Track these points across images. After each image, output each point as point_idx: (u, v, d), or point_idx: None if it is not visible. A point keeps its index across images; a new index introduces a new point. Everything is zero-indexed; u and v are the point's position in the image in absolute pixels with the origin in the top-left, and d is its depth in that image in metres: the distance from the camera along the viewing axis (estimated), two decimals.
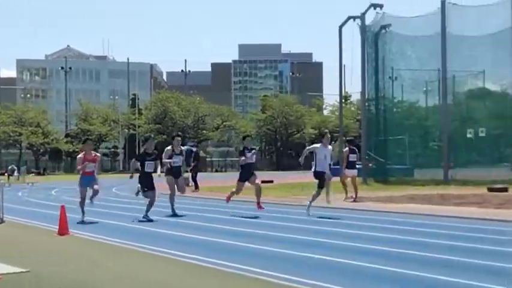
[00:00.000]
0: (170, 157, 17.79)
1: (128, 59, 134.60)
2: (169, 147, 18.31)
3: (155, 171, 16.85)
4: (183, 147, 19.47)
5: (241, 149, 18.65)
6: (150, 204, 16.44)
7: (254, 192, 18.74)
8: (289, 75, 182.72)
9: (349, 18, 39.61)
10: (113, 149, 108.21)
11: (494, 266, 8.96)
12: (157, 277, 8.39)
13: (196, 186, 30.96)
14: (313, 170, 17.34)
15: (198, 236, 12.81)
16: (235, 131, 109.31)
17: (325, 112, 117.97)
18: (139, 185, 16.61)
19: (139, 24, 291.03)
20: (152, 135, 18.84)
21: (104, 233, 13.30)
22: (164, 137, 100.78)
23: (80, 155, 16.26)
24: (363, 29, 38.63)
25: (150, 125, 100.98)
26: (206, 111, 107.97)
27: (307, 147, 18.52)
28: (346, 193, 22.37)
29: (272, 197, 24.29)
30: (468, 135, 36.15)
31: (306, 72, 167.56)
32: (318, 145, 17.62)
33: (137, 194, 16.98)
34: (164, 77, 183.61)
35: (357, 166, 23.67)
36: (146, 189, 16.46)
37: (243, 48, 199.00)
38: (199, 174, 32.94)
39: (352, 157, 22.30)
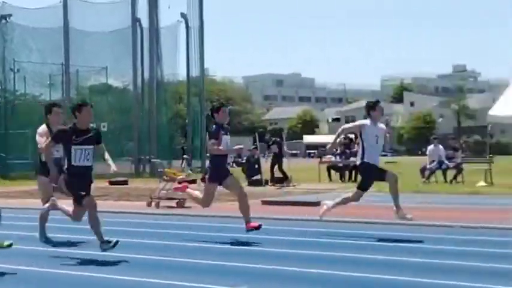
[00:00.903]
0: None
1: None
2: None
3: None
4: None
5: (214, 126, 10.55)
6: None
7: (239, 206, 10.59)
8: None
9: None
10: None
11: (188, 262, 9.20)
12: None
13: None
14: (359, 161, 11.04)
15: None
16: None
17: None
18: None
19: None
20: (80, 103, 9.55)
21: None
22: None
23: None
24: None
25: None
26: None
27: (346, 126, 11.43)
28: None
29: None
30: None
31: None
32: (365, 121, 10.98)
33: None
34: None
35: None
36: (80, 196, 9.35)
37: None
38: None
39: None
